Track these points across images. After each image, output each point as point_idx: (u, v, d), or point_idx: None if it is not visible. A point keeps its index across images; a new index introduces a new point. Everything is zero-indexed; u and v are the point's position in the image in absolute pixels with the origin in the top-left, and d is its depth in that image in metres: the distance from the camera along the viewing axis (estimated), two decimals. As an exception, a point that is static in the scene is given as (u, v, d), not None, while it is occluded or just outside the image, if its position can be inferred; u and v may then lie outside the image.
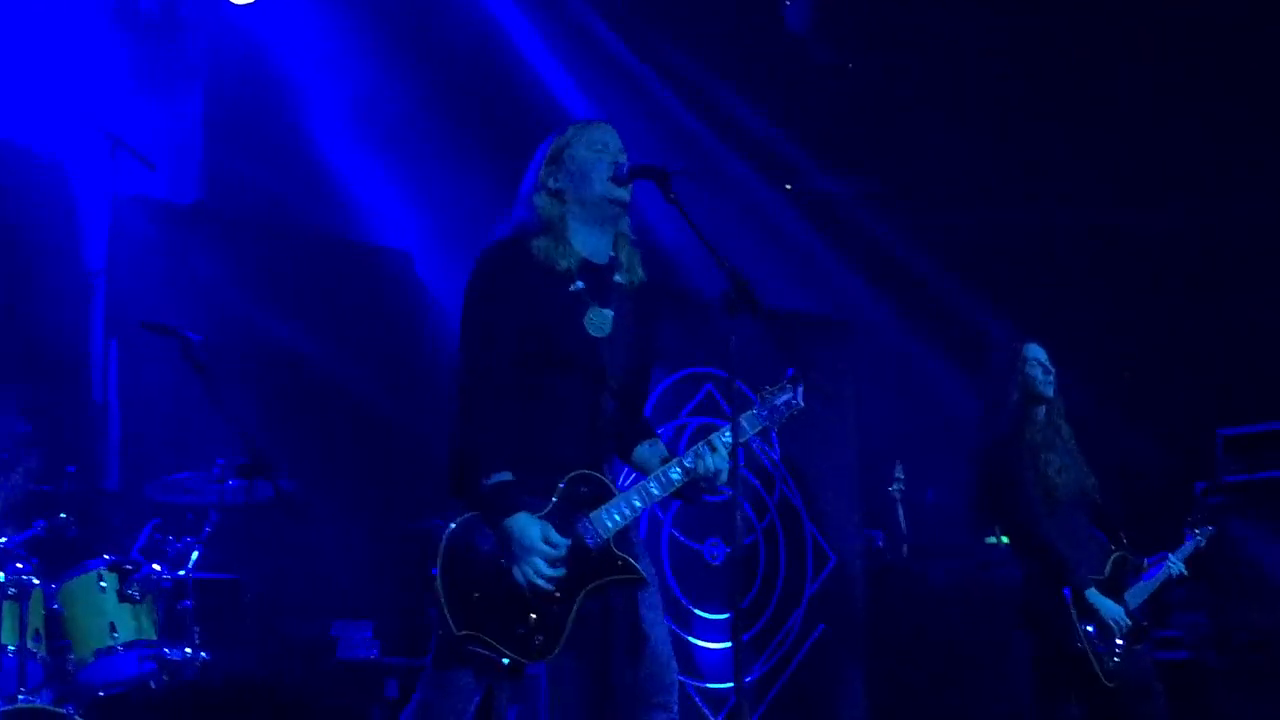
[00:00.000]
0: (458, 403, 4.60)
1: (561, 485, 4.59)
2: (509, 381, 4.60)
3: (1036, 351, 6.98)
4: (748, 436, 4.85)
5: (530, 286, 4.64)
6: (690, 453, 4.70)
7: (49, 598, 6.28)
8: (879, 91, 10.92)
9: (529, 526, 4.46)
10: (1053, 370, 6.96)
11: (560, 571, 4.49)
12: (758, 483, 8.43)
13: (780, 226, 11.16)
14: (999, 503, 6.91)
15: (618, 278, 4.81)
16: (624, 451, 4.92)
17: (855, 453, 9.04)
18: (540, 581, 4.47)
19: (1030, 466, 6.77)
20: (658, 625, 4.75)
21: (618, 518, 4.61)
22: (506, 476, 4.49)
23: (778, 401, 4.82)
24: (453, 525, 4.54)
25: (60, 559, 6.48)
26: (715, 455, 4.67)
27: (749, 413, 4.80)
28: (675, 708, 4.70)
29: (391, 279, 9.35)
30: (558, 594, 4.50)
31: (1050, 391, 6.94)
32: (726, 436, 4.64)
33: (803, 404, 4.84)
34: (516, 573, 4.46)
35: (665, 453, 4.86)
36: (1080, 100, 10.50)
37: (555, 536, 4.50)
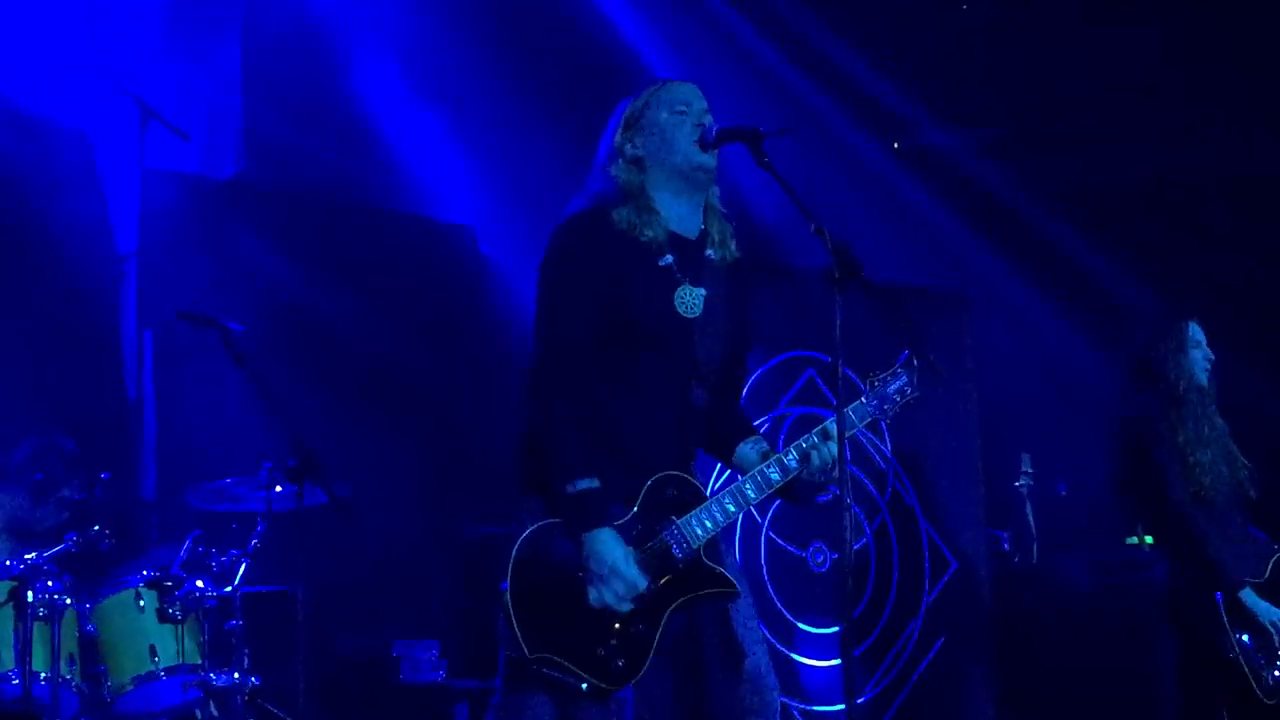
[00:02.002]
0: (532, 391, 4.59)
1: (647, 487, 4.58)
2: (590, 369, 4.59)
3: (1197, 332, 6.92)
4: (855, 430, 4.83)
5: (614, 260, 4.62)
6: (792, 449, 4.68)
7: (83, 618, 6.38)
8: (998, 28, 10.81)
9: (614, 546, 4.46)
10: (1211, 356, 6.90)
11: (641, 590, 4.49)
12: (867, 480, 8.42)
13: (889, 189, 11.10)
14: (1142, 497, 6.86)
15: (709, 253, 4.78)
16: (720, 449, 4.91)
17: (977, 443, 9.00)
18: (619, 606, 4.47)
19: (1178, 460, 6.71)
20: (755, 641, 4.73)
21: (709, 524, 4.60)
22: (592, 484, 4.48)
23: (889, 390, 4.80)
24: (525, 533, 4.54)
25: (94, 575, 6.57)
26: (822, 449, 4.64)
27: (856, 403, 4.77)
28: None
29: (453, 256, 9.39)
30: (641, 611, 4.50)
31: (1206, 379, 6.89)
32: (833, 428, 4.62)
33: (918, 392, 4.82)
34: (593, 594, 4.46)
35: (766, 449, 4.83)
36: (1240, 31, 10.31)
37: (635, 569, 4.48)
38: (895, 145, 11.30)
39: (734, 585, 4.64)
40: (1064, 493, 10.14)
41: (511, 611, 4.47)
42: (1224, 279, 10.25)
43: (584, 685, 4.47)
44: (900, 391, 4.81)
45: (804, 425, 7.94)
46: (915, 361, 4.81)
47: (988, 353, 9.59)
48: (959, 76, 10.92)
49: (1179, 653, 6.81)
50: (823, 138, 10.58)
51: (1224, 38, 10.30)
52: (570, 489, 4.47)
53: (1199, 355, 6.88)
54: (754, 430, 4.97)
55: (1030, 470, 9.78)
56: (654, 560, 4.53)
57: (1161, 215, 10.89)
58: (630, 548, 4.50)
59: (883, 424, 4.89)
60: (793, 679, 7.90)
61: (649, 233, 4.67)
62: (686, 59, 9.72)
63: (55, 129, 8.10)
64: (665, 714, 4.79)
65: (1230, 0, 10.13)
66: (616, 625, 4.49)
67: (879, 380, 4.81)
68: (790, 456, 4.67)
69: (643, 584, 4.48)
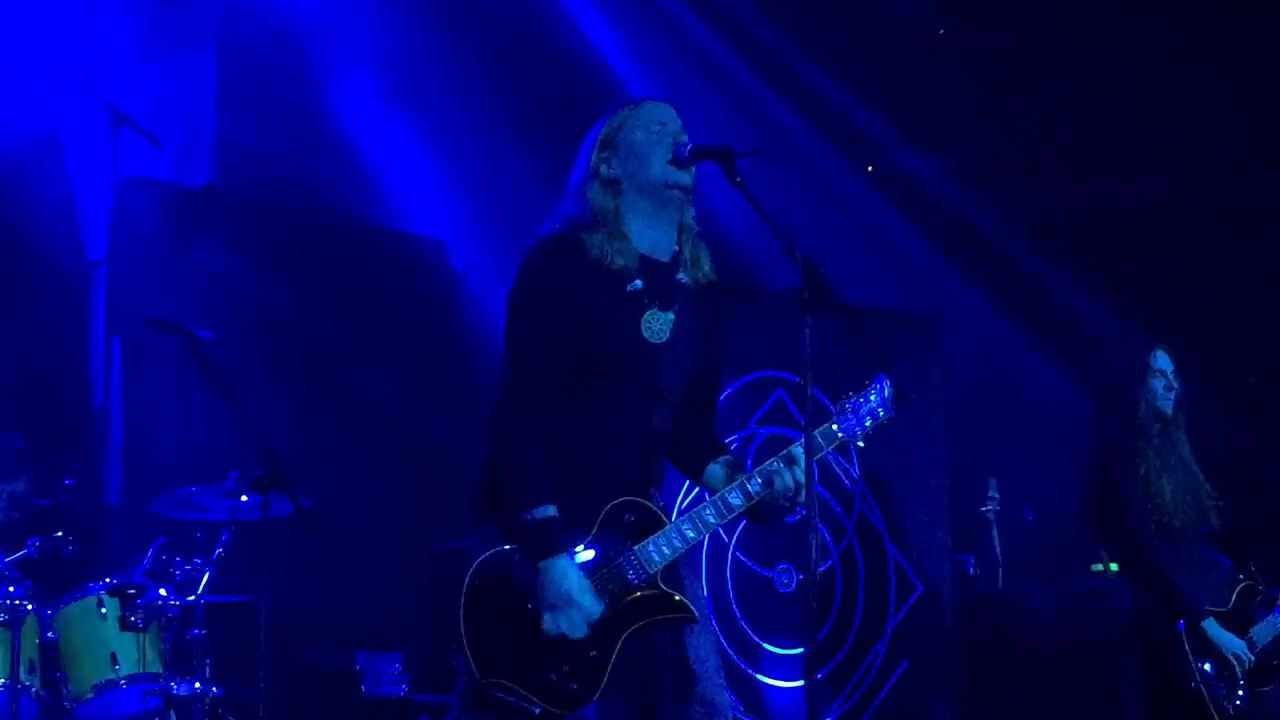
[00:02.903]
0: (498, 416, 4.59)
1: (605, 512, 4.57)
2: (555, 394, 4.58)
3: (1162, 361, 6.92)
4: (826, 451, 4.82)
5: (582, 286, 4.60)
6: (756, 474, 4.65)
7: (44, 625, 6.35)
8: (971, 58, 10.87)
9: (570, 574, 4.45)
10: (1176, 385, 6.90)
11: (595, 618, 4.47)
12: (834, 501, 8.43)
13: (860, 211, 11.13)
14: (1106, 525, 6.88)
15: (681, 276, 4.77)
16: (689, 467, 4.90)
17: (944, 467, 9.01)
18: (574, 634, 4.46)
19: (1142, 489, 6.73)
20: (708, 662, 4.70)
21: (666, 551, 4.58)
22: (550, 512, 4.46)
23: (862, 411, 4.77)
24: (480, 557, 4.52)
25: (56, 582, 6.54)
26: (785, 474, 4.62)
27: (827, 425, 4.75)
28: None
29: (423, 269, 9.40)
30: (595, 636, 4.48)
31: (1170, 408, 6.89)
32: (798, 453, 4.61)
33: (892, 413, 4.79)
34: (548, 621, 4.45)
35: (737, 470, 4.80)
36: (1202, 61, 10.38)
37: (590, 598, 4.47)
38: (869, 169, 11.33)
39: (691, 611, 4.62)
40: (1031, 519, 10.16)
41: (464, 634, 4.46)
42: (1193, 307, 10.28)
43: (536, 710, 4.46)
44: (872, 414, 4.77)
45: (773, 445, 7.97)
46: (887, 384, 4.80)
47: (956, 377, 9.62)
48: (932, 101, 10.96)
49: (1142, 681, 6.82)
50: (795, 160, 10.61)
51: (1197, 66, 10.35)
52: (528, 516, 4.45)
53: (1160, 385, 6.89)
54: (724, 449, 4.95)
55: (997, 495, 9.80)
56: (610, 586, 4.52)
57: (1131, 242, 10.92)
58: (585, 577, 4.49)
59: (851, 447, 4.88)
60: (757, 700, 7.90)
61: (620, 260, 4.65)
62: (661, 79, 9.74)
63: (27, 134, 8.09)
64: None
65: (1204, 32, 10.19)
66: (570, 650, 4.47)
67: (851, 402, 4.79)
68: (754, 481, 4.64)
69: (598, 612, 4.47)
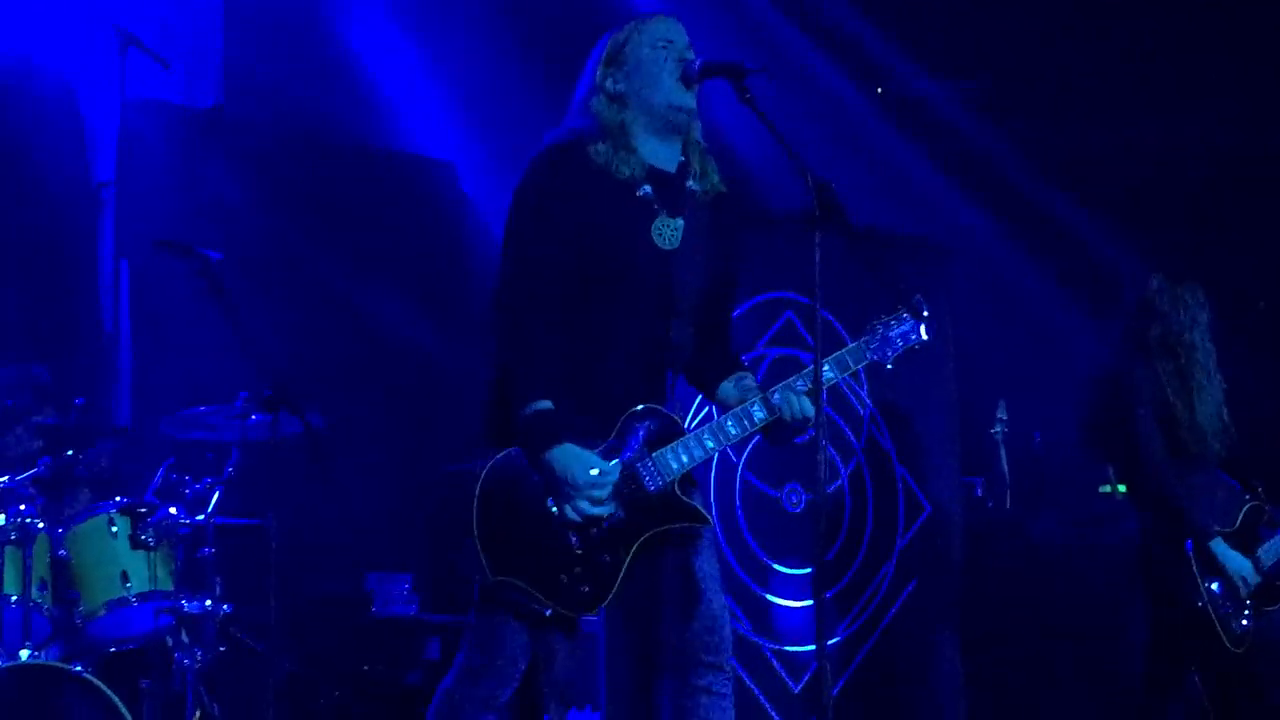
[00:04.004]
0: (496, 324, 4.58)
1: (622, 420, 4.56)
2: (558, 301, 4.55)
3: (1197, 294, 6.90)
4: (851, 371, 4.79)
5: (588, 191, 4.58)
6: (780, 388, 4.63)
7: (55, 543, 6.37)
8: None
9: (574, 458, 4.44)
10: (1204, 312, 6.87)
11: (611, 508, 4.49)
12: (843, 423, 8.40)
13: (870, 135, 11.08)
14: (1113, 442, 6.88)
15: (690, 184, 4.75)
16: (706, 386, 4.88)
17: (953, 390, 9.00)
18: (595, 512, 4.46)
19: (1157, 411, 6.73)
20: (713, 579, 4.72)
21: (685, 459, 4.58)
22: (546, 405, 4.44)
23: (892, 333, 4.74)
24: (491, 460, 4.52)
25: (68, 500, 6.57)
26: (795, 401, 4.60)
27: (855, 345, 4.73)
28: (729, 666, 4.70)
29: (432, 192, 9.38)
30: (610, 539, 4.50)
31: (1188, 334, 6.86)
32: (824, 370, 4.57)
33: (926, 338, 4.74)
34: (568, 510, 4.45)
35: (752, 386, 4.79)
36: (1233, 3, 10.31)
37: (603, 464, 4.47)
38: (880, 90, 11.27)
39: (706, 518, 4.64)
40: (1039, 441, 10.17)
41: (477, 536, 4.47)
42: (1200, 238, 10.27)
43: (547, 611, 4.48)
44: (905, 336, 4.74)
45: (782, 366, 7.95)
46: (924, 308, 4.75)
47: (965, 301, 9.59)
48: (945, 25, 10.89)
49: (1149, 603, 6.85)
50: (806, 80, 10.56)
51: (1218, 6, 10.29)
52: (528, 410, 4.44)
53: (1204, 317, 6.87)
54: (741, 365, 4.93)
55: (1005, 418, 9.80)
56: (626, 491, 4.52)
57: (1142, 172, 10.89)
58: (591, 453, 4.48)
59: (861, 370, 4.86)
60: (765, 619, 7.92)
61: (625, 170, 4.63)
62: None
63: (34, 57, 8.06)
64: (622, 647, 4.80)
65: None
66: (583, 553, 4.49)
67: (883, 323, 4.76)
68: (776, 395, 4.63)
69: (615, 472, 4.48)
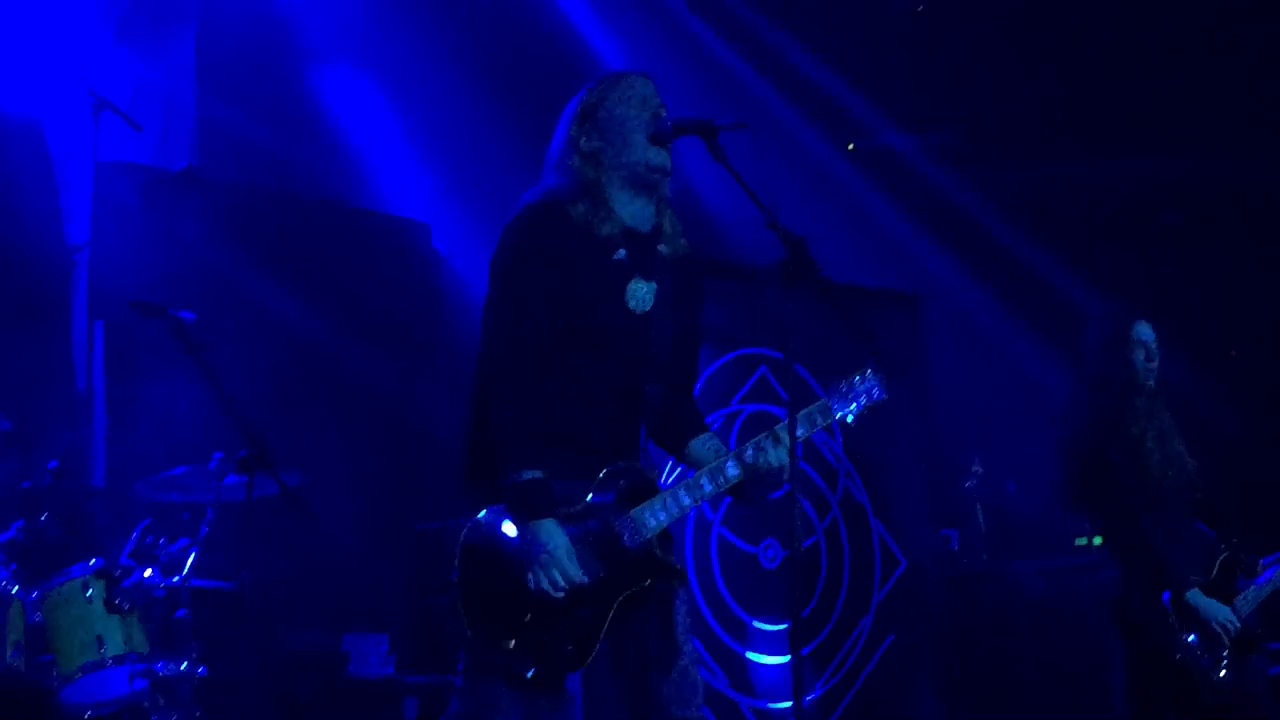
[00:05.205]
0: (479, 383, 4.58)
1: (600, 478, 4.58)
2: (540, 362, 4.57)
3: (1144, 332, 6.91)
4: (816, 429, 4.83)
5: (567, 253, 4.61)
6: (750, 445, 4.67)
7: (29, 608, 6.33)
8: (953, 35, 10.86)
9: (555, 535, 4.45)
10: (1156, 356, 6.90)
11: (577, 583, 4.48)
12: (819, 477, 8.42)
13: (842, 189, 11.14)
14: (1091, 496, 6.88)
15: (662, 247, 4.78)
16: (674, 444, 4.90)
17: (927, 442, 9.02)
18: (554, 594, 4.46)
19: (1126, 459, 6.73)
20: (686, 633, 4.74)
21: (662, 516, 4.60)
22: (537, 474, 4.45)
23: (854, 392, 4.81)
24: (474, 519, 4.54)
25: (42, 565, 6.52)
26: (779, 448, 4.65)
27: (820, 403, 4.78)
28: (701, 717, 4.69)
29: (406, 252, 9.38)
30: (590, 598, 4.49)
31: (1153, 380, 6.89)
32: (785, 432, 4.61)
33: (884, 396, 4.82)
34: (530, 579, 4.45)
35: (720, 447, 4.84)
36: (1184, 37, 10.39)
37: (574, 567, 4.46)
38: (850, 146, 11.33)
39: (683, 575, 4.66)
40: (1013, 490, 10.18)
41: (459, 596, 4.48)
42: (1174, 283, 10.31)
43: (529, 672, 4.47)
44: (868, 394, 4.81)
45: (756, 422, 7.97)
46: (877, 367, 4.82)
47: (939, 353, 9.62)
48: (913, 79, 10.96)
49: (1126, 654, 6.82)
50: (777, 137, 10.61)
51: (1177, 48, 10.37)
52: (516, 478, 4.45)
53: (1140, 355, 6.89)
54: (706, 426, 4.96)
55: (980, 470, 9.82)
56: (604, 549, 4.53)
57: (1111, 219, 10.95)
58: (572, 543, 4.48)
59: (835, 424, 4.89)
60: (744, 675, 7.91)
61: (605, 228, 4.65)
62: (641, 55, 9.73)
63: (8, 118, 8.06)
64: (612, 706, 4.78)
65: (1184, 11, 10.20)
66: (563, 612, 4.48)
67: (845, 382, 4.82)
68: (748, 452, 4.67)
69: (579, 578, 4.48)
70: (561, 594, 4.46)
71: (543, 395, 4.56)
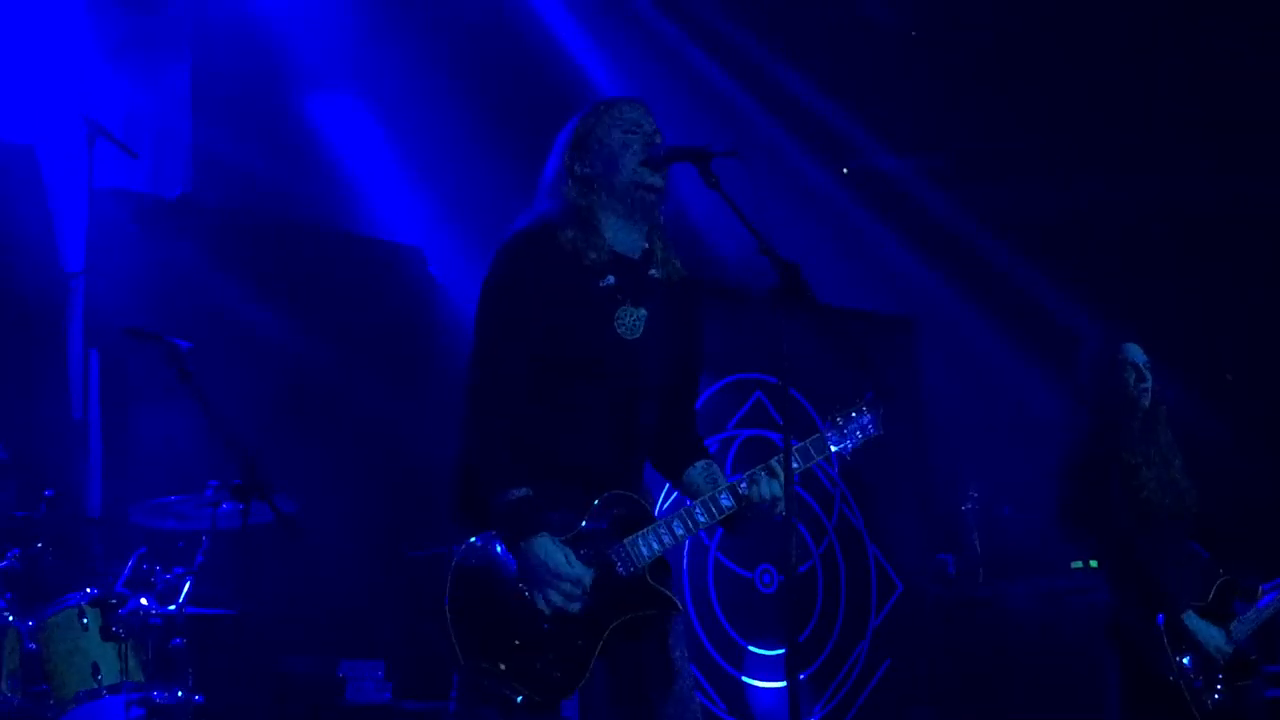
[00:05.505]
0: (467, 410, 4.58)
1: (593, 506, 4.58)
2: (528, 387, 4.58)
3: (1135, 354, 6.92)
4: (813, 461, 4.84)
5: (556, 280, 4.61)
6: (745, 478, 4.68)
7: (25, 636, 6.32)
8: (947, 58, 10.89)
9: (552, 550, 4.44)
10: (1149, 377, 6.90)
11: (587, 584, 4.48)
12: (815, 503, 8.43)
13: (836, 212, 11.15)
14: (1086, 520, 6.88)
15: (653, 272, 4.78)
16: (671, 470, 4.91)
17: (922, 466, 9.03)
18: (568, 607, 4.46)
19: (1122, 481, 6.74)
20: (684, 662, 4.74)
21: (655, 545, 4.60)
22: (525, 493, 4.45)
23: (852, 426, 4.82)
24: (464, 545, 4.53)
25: (37, 593, 6.52)
26: (773, 480, 4.64)
27: (815, 437, 4.79)
28: None
29: (400, 277, 9.38)
30: (581, 626, 4.50)
31: (1147, 400, 6.89)
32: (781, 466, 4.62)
33: (881, 431, 4.84)
34: (539, 600, 4.45)
35: (718, 474, 4.84)
36: (1176, 62, 10.42)
37: (578, 566, 4.49)
38: (844, 170, 11.35)
39: (677, 605, 4.65)
40: (1009, 514, 10.18)
41: (449, 623, 4.46)
42: (1167, 306, 10.32)
43: (519, 698, 4.47)
44: (864, 428, 4.82)
45: (752, 446, 7.97)
46: (874, 402, 4.83)
47: (934, 377, 9.63)
48: (906, 102, 10.99)
49: (1120, 677, 6.82)
50: (770, 161, 10.62)
51: (1173, 70, 10.40)
52: (505, 498, 4.44)
53: (1132, 376, 6.89)
54: (706, 452, 4.96)
55: (976, 494, 9.82)
56: (596, 576, 4.52)
57: (1105, 241, 10.96)
58: (568, 548, 4.48)
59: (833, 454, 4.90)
60: (741, 701, 7.91)
61: (592, 255, 4.66)
62: (634, 80, 9.75)
63: (3, 145, 8.07)
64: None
65: (1174, 32, 10.23)
66: (555, 638, 4.48)
67: (842, 415, 4.83)
68: (743, 484, 4.67)
69: (588, 577, 4.48)
70: (578, 605, 4.46)
71: (533, 423, 4.57)
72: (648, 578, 4.60)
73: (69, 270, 8.00)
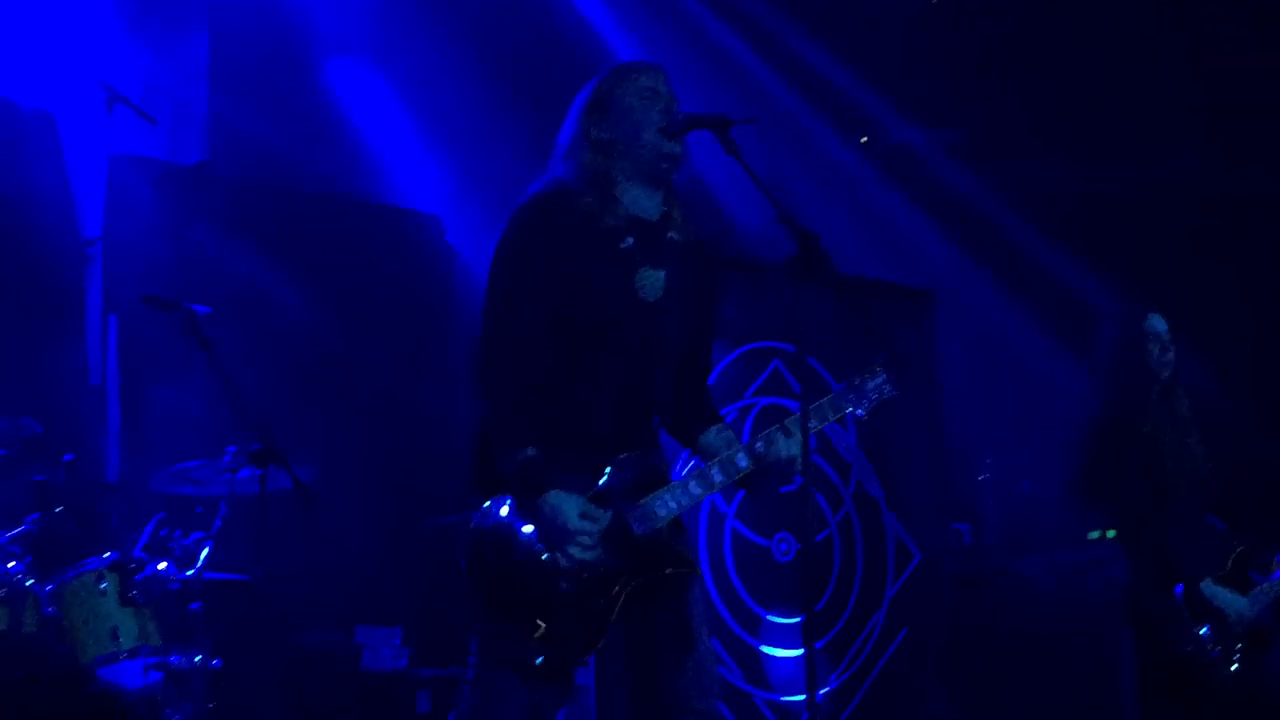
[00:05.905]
0: (480, 376, 4.58)
1: (610, 467, 4.57)
2: (543, 351, 4.58)
3: (1157, 324, 6.91)
4: (829, 421, 4.85)
5: (572, 243, 4.61)
6: (761, 437, 4.67)
7: (44, 600, 6.36)
8: (968, 30, 10.86)
9: (563, 503, 4.45)
10: (1171, 348, 6.89)
11: (604, 526, 4.49)
12: (832, 471, 8.43)
13: (855, 184, 11.14)
14: (1103, 490, 6.88)
15: (672, 235, 4.78)
16: (686, 435, 4.91)
17: (940, 437, 9.03)
18: (588, 556, 4.47)
19: (1140, 452, 6.73)
20: (701, 624, 4.75)
21: (672, 505, 4.60)
22: (532, 453, 4.44)
23: (868, 387, 4.82)
24: (480, 509, 4.55)
25: (56, 558, 6.55)
26: (789, 440, 4.64)
27: (830, 397, 4.80)
28: (718, 711, 4.71)
29: (418, 245, 9.39)
30: (598, 585, 4.50)
31: (1167, 372, 6.88)
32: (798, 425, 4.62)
33: (896, 393, 4.85)
34: (560, 557, 4.46)
35: (733, 438, 4.84)
36: (1202, 39, 10.38)
37: (593, 509, 4.49)
38: (863, 140, 11.33)
39: (694, 564, 4.66)
40: (1026, 489, 10.18)
41: (470, 586, 4.50)
42: (1186, 282, 10.29)
43: (539, 659, 4.48)
44: (879, 389, 4.82)
45: (770, 415, 7.97)
46: (889, 364, 4.84)
47: (953, 348, 9.62)
48: (928, 74, 10.96)
49: (1137, 648, 6.82)
50: (791, 130, 10.61)
51: (1196, 49, 10.37)
52: (515, 459, 4.44)
53: (1155, 348, 6.88)
54: (720, 418, 4.97)
55: (991, 462, 9.82)
56: (613, 537, 4.53)
57: (1125, 216, 10.94)
58: (581, 498, 4.49)
59: (848, 416, 4.91)
60: (758, 669, 7.92)
61: (610, 220, 4.66)
62: (653, 48, 9.72)
63: (21, 113, 8.08)
64: (621, 695, 4.79)
65: (1200, 12, 10.19)
66: (573, 601, 4.48)
67: (857, 379, 4.83)
68: (759, 444, 4.67)
69: (605, 519, 4.49)
70: (596, 554, 4.45)
71: (548, 386, 4.58)
72: (665, 537, 4.61)
73: (87, 236, 8.01)
